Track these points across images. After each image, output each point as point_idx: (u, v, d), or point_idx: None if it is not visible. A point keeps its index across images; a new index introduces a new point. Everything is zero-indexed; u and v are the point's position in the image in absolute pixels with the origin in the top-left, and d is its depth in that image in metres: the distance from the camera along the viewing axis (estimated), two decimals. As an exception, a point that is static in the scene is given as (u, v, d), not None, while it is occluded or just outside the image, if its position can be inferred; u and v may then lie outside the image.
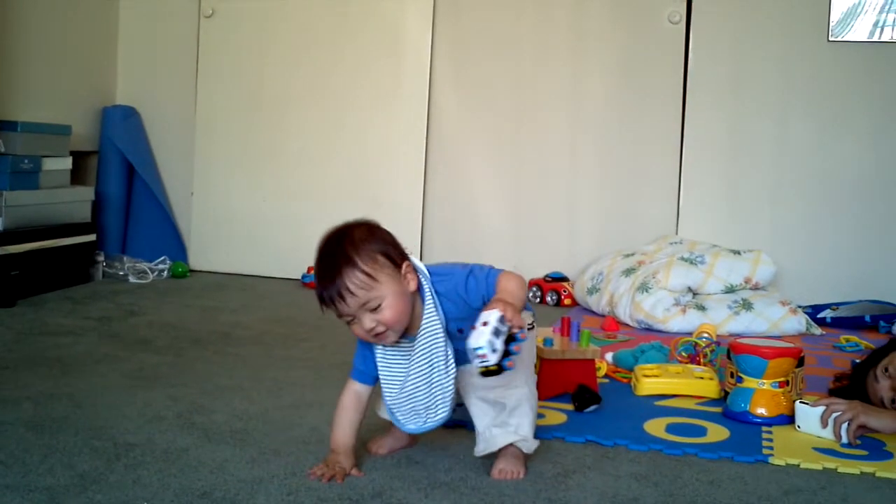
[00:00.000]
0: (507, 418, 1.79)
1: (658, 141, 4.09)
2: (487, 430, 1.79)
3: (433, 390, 1.75)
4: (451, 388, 1.74)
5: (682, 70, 4.04)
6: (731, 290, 3.55)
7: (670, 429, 2.13)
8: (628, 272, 3.67)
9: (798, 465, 1.91)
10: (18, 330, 2.97)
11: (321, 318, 3.38)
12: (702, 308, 3.45)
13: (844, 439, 2.05)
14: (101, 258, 4.07)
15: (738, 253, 3.64)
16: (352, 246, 1.71)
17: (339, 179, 4.35)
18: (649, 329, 3.43)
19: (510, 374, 1.66)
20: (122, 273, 4.06)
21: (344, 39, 4.33)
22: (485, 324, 1.57)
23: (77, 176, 4.17)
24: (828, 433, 2.07)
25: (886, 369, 2.20)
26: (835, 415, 2.07)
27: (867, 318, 3.59)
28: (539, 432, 2.02)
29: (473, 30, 4.23)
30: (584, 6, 4.13)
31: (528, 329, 1.84)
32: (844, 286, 3.86)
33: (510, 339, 1.59)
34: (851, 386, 2.32)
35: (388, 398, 1.79)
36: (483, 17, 4.22)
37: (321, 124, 4.36)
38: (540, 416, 2.17)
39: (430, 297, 1.75)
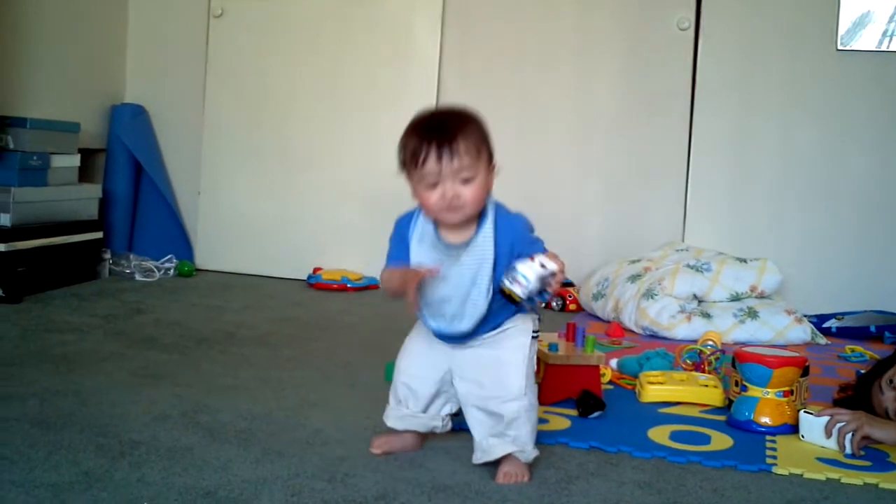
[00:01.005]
0: (505, 429, 1.79)
1: (665, 147, 4.08)
2: (485, 440, 1.81)
3: (466, 304, 1.77)
4: (483, 307, 1.77)
5: (691, 77, 4.04)
6: (736, 298, 3.55)
7: (674, 436, 2.13)
8: (634, 278, 3.67)
9: (801, 475, 1.91)
10: (25, 326, 2.98)
11: (327, 318, 3.41)
12: (707, 316, 3.45)
13: (848, 450, 2.04)
14: (107, 256, 4.07)
15: (745, 261, 3.64)
16: (474, 119, 1.77)
17: (345, 180, 4.35)
18: (654, 336, 3.43)
19: (510, 384, 1.77)
20: (128, 271, 4.07)
21: (353, 42, 4.33)
22: (542, 266, 1.66)
23: (85, 173, 4.18)
24: (832, 443, 2.07)
25: (891, 381, 2.20)
26: (839, 425, 2.07)
27: (872, 329, 3.58)
28: (543, 437, 2.03)
29: (481, 36, 4.23)
30: (592, 13, 4.14)
31: (533, 337, 1.84)
32: (850, 296, 3.85)
33: (543, 290, 1.68)
34: (856, 396, 2.32)
35: (422, 297, 1.81)
36: (491, 23, 4.22)
37: (328, 125, 4.37)
38: (544, 421, 2.18)
39: (492, 218, 1.78)
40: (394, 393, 1.93)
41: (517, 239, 1.77)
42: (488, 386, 1.80)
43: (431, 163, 1.71)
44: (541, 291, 1.68)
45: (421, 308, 1.83)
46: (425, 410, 1.90)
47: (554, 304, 3.94)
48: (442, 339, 1.86)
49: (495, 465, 1.80)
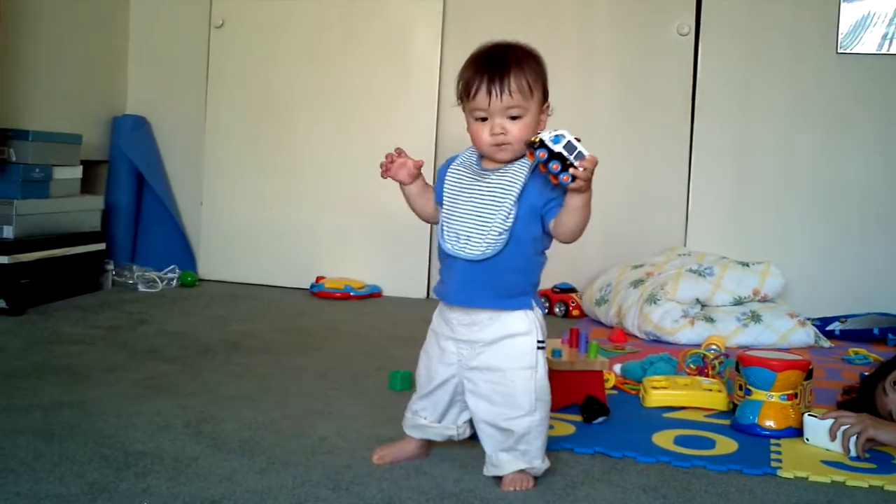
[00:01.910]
0: (516, 444, 1.78)
1: (666, 152, 4.09)
2: (495, 455, 1.80)
3: (482, 224, 1.75)
4: (499, 231, 1.74)
5: (691, 81, 4.05)
6: (739, 302, 3.55)
7: (679, 441, 2.13)
8: (636, 283, 3.67)
9: (806, 478, 1.90)
10: (28, 338, 2.99)
11: (330, 327, 3.41)
12: (710, 320, 3.45)
13: (853, 452, 2.04)
14: (110, 267, 4.08)
15: (747, 265, 3.64)
16: (533, 56, 1.81)
17: (347, 189, 4.36)
18: (658, 341, 3.43)
19: (520, 400, 1.76)
20: (131, 282, 4.07)
21: (353, 50, 4.34)
22: (578, 139, 1.67)
23: (87, 185, 4.19)
24: (836, 446, 2.07)
25: (895, 383, 2.20)
26: (843, 428, 2.06)
27: (876, 331, 3.58)
28: (547, 444, 2.03)
29: (482, 40, 4.22)
30: (593, 18, 4.15)
31: (540, 347, 1.81)
32: (853, 298, 3.85)
33: (565, 165, 1.66)
34: (860, 399, 2.31)
35: (443, 214, 1.82)
36: (492, 27, 4.18)
37: (330, 134, 4.38)
38: (549, 427, 2.18)
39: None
40: (411, 404, 1.93)
41: (545, 189, 1.75)
42: (499, 402, 1.79)
43: (482, 96, 1.73)
44: (563, 161, 1.66)
45: (441, 228, 1.81)
46: (440, 420, 1.89)
47: (557, 310, 3.94)
48: (451, 292, 1.82)
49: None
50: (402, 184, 1.90)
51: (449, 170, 1.84)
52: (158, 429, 2.06)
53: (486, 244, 1.74)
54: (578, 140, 1.67)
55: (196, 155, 4.53)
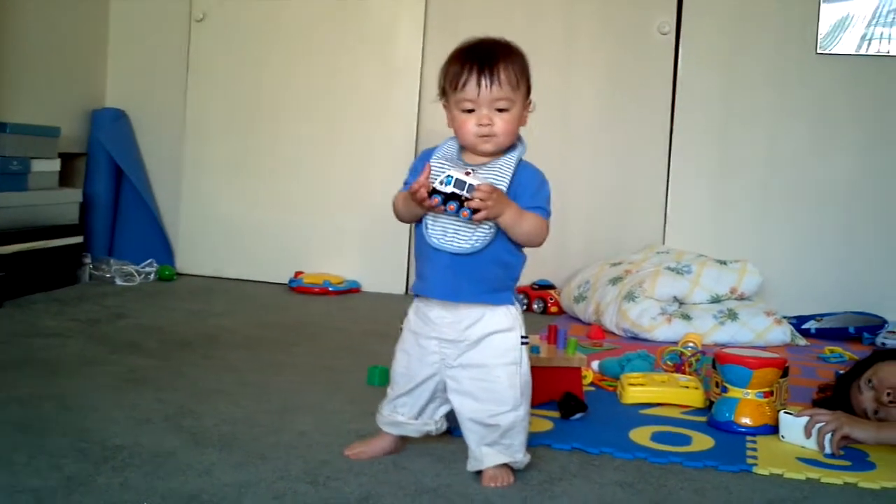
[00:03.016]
0: (500, 438, 1.79)
1: (646, 150, 4.11)
2: (478, 449, 1.80)
3: (468, 221, 1.73)
4: (486, 226, 1.74)
5: (672, 81, 4.07)
6: (716, 299, 3.57)
7: (655, 437, 2.14)
8: (615, 281, 3.69)
9: (782, 475, 1.92)
10: (6, 331, 2.97)
11: (309, 322, 3.41)
12: (687, 317, 3.47)
13: (828, 449, 2.06)
14: (88, 260, 4.06)
15: (725, 263, 3.66)
16: (518, 51, 1.84)
17: (327, 184, 4.35)
18: (635, 338, 3.45)
19: (505, 396, 1.78)
20: (109, 275, 4.05)
21: (335, 45, 4.33)
22: (467, 173, 1.70)
23: (65, 178, 4.16)
24: (811, 443, 2.09)
25: (870, 381, 2.22)
26: (818, 425, 2.08)
27: (851, 330, 3.61)
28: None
29: (464, 38, 4.23)
30: (574, 17, 4.16)
31: (523, 343, 1.82)
32: (829, 297, 3.88)
33: (460, 200, 1.69)
34: (835, 397, 2.34)
35: (432, 205, 1.77)
36: (474, 27, 4.17)
37: (311, 129, 4.37)
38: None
39: (518, 154, 1.82)
40: (387, 401, 1.92)
41: (528, 187, 1.79)
42: (484, 399, 1.79)
43: (471, 86, 1.75)
44: (456, 198, 1.68)
45: (426, 223, 1.80)
46: (418, 417, 1.90)
47: (535, 307, 3.95)
48: (434, 287, 1.81)
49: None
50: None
51: (433, 164, 1.82)
52: (137, 423, 2.05)
53: (474, 238, 1.75)
54: (468, 174, 1.70)
55: (175, 148, 4.50)
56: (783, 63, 3.98)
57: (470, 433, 1.81)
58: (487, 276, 1.78)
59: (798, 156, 3.98)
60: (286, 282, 4.27)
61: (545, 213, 1.81)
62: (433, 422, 1.91)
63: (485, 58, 1.77)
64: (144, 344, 2.90)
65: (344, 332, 3.31)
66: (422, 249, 1.83)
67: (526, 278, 4.07)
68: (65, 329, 3.06)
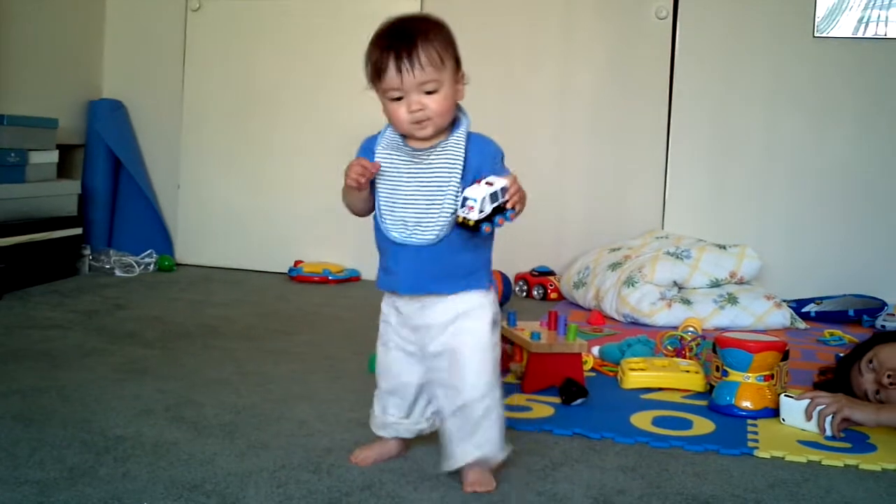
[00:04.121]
0: (473, 430, 1.69)
1: (644, 135, 4.10)
2: (453, 446, 1.71)
3: (431, 208, 1.67)
4: (449, 213, 1.66)
5: (669, 65, 4.06)
6: (716, 284, 3.57)
7: (656, 422, 2.14)
8: (614, 266, 3.69)
9: (783, 458, 1.92)
10: (5, 323, 2.97)
11: (309, 311, 3.41)
12: (687, 302, 3.47)
13: (828, 432, 2.06)
14: (87, 252, 4.06)
15: (724, 247, 3.66)
16: (437, 25, 1.72)
17: (325, 173, 4.32)
18: (635, 323, 3.45)
19: (477, 380, 1.68)
20: (108, 267, 4.06)
21: (331, 35, 4.32)
22: (489, 183, 1.60)
23: (63, 169, 4.17)
24: (812, 426, 2.09)
25: (870, 363, 2.23)
26: (819, 408, 2.08)
27: (851, 313, 3.61)
28: (527, 425, 2.05)
29: (461, 25, 4.20)
30: (572, 2, 4.14)
31: (493, 325, 1.74)
32: (828, 281, 3.88)
33: (501, 209, 1.61)
34: (836, 379, 2.34)
35: (382, 202, 1.72)
36: (471, 13, 4.21)
37: (308, 117, 4.36)
38: (527, 409, 2.19)
39: (465, 129, 1.72)
40: (377, 401, 1.85)
41: (485, 161, 1.69)
42: (456, 386, 1.70)
43: (392, 74, 1.66)
44: (498, 210, 1.60)
45: (381, 217, 1.72)
46: (409, 415, 1.82)
47: (535, 293, 3.95)
48: (401, 282, 1.73)
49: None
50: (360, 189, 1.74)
51: (377, 154, 1.74)
52: (138, 413, 2.06)
53: (438, 227, 1.67)
54: (490, 184, 1.61)
55: (173, 139, 4.51)
56: (780, 46, 3.97)
57: (447, 428, 1.72)
58: (457, 262, 1.70)
59: (797, 139, 3.97)
60: (286, 271, 4.27)
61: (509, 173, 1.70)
62: (424, 419, 1.83)
63: (401, 41, 1.66)
64: (144, 334, 2.90)
65: (344, 321, 3.31)
66: (382, 243, 1.75)
67: (525, 265, 4.07)
68: (65, 321, 3.06)
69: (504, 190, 1.61)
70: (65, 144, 4.15)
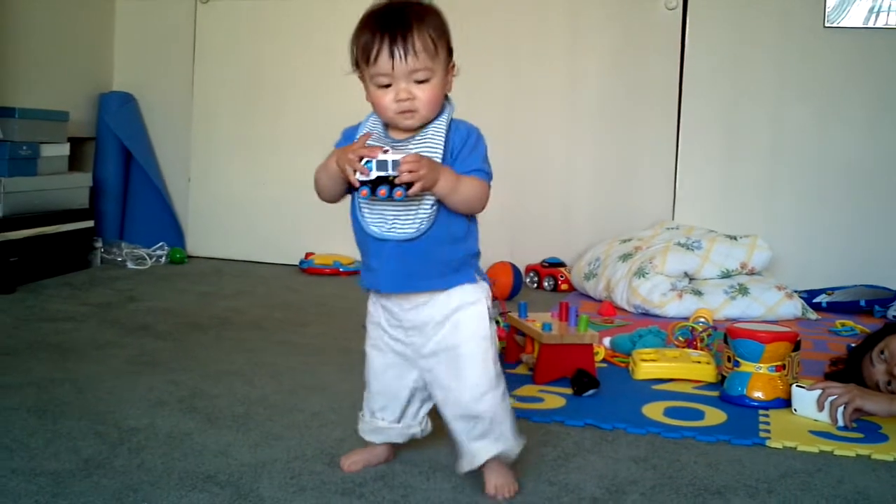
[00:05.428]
0: (489, 427, 1.63)
1: (654, 127, 4.09)
2: (470, 444, 1.65)
3: (409, 200, 1.57)
4: (427, 205, 1.59)
5: (679, 56, 4.05)
6: (727, 275, 3.57)
7: (668, 412, 2.14)
8: (625, 257, 3.69)
9: (795, 448, 1.93)
10: (19, 316, 2.98)
11: (320, 303, 3.42)
12: (698, 293, 3.47)
13: (840, 422, 2.07)
14: (99, 244, 4.08)
15: (735, 238, 3.65)
16: (433, 12, 1.63)
17: (336, 165, 4.34)
18: (646, 314, 3.45)
19: (480, 377, 1.62)
20: (120, 259, 4.07)
21: (341, 27, 4.30)
22: (385, 152, 1.53)
23: (75, 162, 4.18)
24: (824, 416, 2.09)
25: (882, 353, 2.23)
26: (831, 398, 2.09)
27: (862, 303, 3.61)
28: (539, 416, 2.05)
29: (469, 14, 4.22)
30: (581, -8, 4.14)
31: (495, 321, 1.69)
32: (840, 271, 3.87)
33: (390, 182, 1.53)
34: (847, 370, 2.34)
35: (361, 197, 1.64)
36: (478, 5, 4.21)
37: (318, 109, 4.36)
38: (539, 399, 2.20)
39: (447, 117, 1.65)
40: (366, 405, 1.77)
41: (465, 147, 1.62)
42: (460, 385, 1.63)
43: (384, 59, 1.57)
44: (388, 182, 1.52)
45: (360, 211, 1.65)
46: (400, 420, 1.75)
47: (546, 284, 3.95)
48: (381, 280, 1.65)
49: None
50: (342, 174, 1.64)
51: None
52: (152, 405, 2.07)
53: (418, 220, 1.59)
54: (386, 152, 1.53)
55: (183, 131, 4.52)
56: (791, 37, 3.95)
57: (457, 429, 1.66)
58: (441, 257, 1.62)
59: (807, 129, 3.96)
60: (297, 263, 4.28)
61: (483, 174, 1.62)
62: (417, 423, 1.76)
63: (396, 24, 1.57)
64: (157, 326, 2.91)
65: (355, 313, 3.29)
66: (362, 240, 1.67)
67: (536, 256, 4.07)
68: (77, 313, 3.07)
69: (395, 163, 1.52)
70: (76, 137, 4.17)
